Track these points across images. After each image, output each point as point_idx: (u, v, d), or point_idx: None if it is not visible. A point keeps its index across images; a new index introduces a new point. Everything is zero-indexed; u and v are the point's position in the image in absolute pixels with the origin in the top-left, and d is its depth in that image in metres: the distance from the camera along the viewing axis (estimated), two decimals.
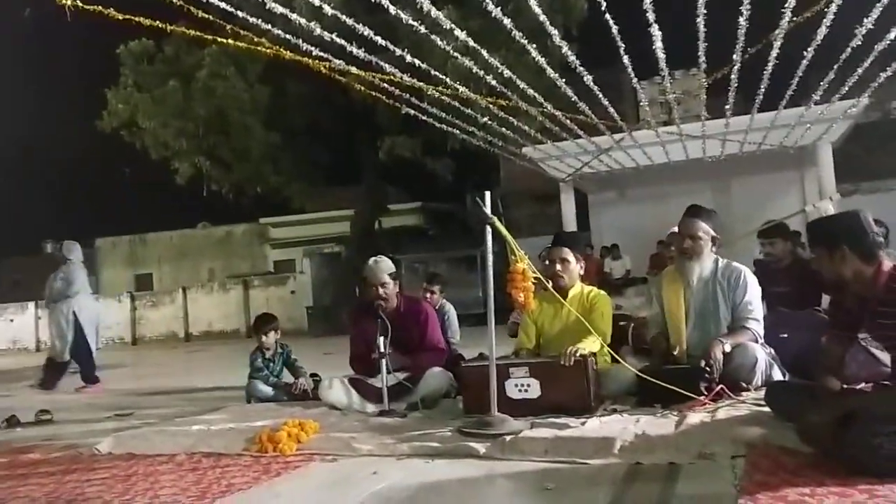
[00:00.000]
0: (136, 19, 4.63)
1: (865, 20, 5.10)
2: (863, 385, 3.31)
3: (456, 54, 5.68)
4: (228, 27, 5.26)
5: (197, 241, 29.27)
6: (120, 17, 4.42)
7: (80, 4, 4.06)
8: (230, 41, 5.46)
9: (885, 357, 3.32)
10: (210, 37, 5.51)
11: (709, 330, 3.89)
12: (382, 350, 4.06)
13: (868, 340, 3.43)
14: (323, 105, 17.50)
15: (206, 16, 4.59)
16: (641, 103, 7.69)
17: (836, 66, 6.17)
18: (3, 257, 34.14)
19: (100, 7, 4.19)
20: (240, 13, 4.64)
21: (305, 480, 2.96)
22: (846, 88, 7.02)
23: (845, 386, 2.88)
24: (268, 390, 5.29)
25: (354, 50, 5.12)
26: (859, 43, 5.35)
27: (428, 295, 5.66)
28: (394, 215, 22.88)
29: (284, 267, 25.36)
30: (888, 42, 5.51)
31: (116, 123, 17.57)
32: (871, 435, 2.31)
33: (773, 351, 3.85)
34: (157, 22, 4.84)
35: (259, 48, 5.46)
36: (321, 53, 5.37)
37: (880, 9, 4.89)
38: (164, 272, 29.00)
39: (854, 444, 2.35)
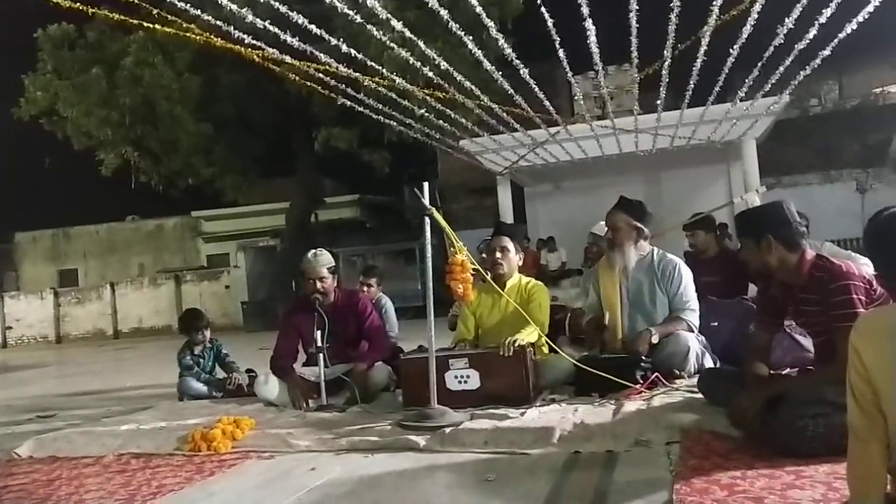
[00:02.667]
0: (56, 1, 4.40)
1: (787, 20, 5.31)
2: (788, 370, 3.47)
3: (392, 45, 5.62)
4: (155, 12, 5.05)
5: (125, 234, 28.20)
6: None
7: None
8: (157, 27, 5.25)
9: (807, 342, 3.48)
10: (136, 22, 5.30)
11: (644, 319, 3.99)
12: (319, 344, 3.99)
13: (792, 327, 3.60)
14: (256, 95, 17.12)
15: (132, 0, 4.40)
16: (576, 97, 7.78)
17: (759, 65, 6.40)
18: None
19: None
20: None
21: (241, 479, 2.88)
22: (769, 86, 7.28)
23: (772, 371, 3.00)
24: (201, 387, 5.13)
25: (289, 39, 5.00)
26: (781, 42, 5.55)
27: (365, 288, 5.61)
28: (330, 208, 22.63)
29: (218, 261, 24.73)
30: (807, 41, 5.75)
31: (35, 111, 16.74)
32: (796, 417, 2.40)
33: (704, 339, 3.97)
34: (79, 5, 4.61)
35: (188, 35, 5.27)
36: (254, 42, 5.23)
37: (800, 9, 5.09)
38: (90, 267, 27.82)
39: (781, 427, 2.43)
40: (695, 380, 3.46)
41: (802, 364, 3.38)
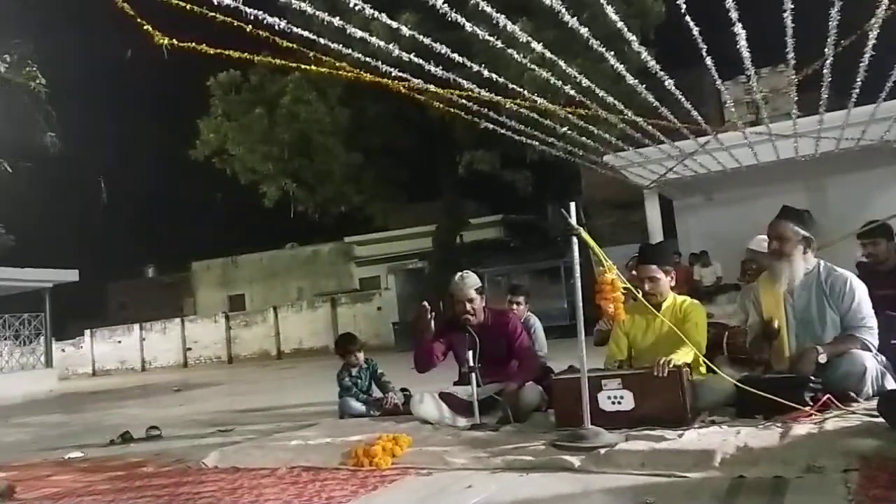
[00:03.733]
0: (226, 52, 4.88)
1: None
2: None
3: (532, 66, 5.69)
4: (310, 54, 5.45)
5: (285, 261, 30.31)
6: (212, 52, 4.68)
7: (177, 43, 4.33)
8: (312, 67, 5.65)
9: None
10: (293, 64, 5.74)
11: (812, 339, 3.72)
12: (472, 364, 4.08)
13: None
14: (401, 123, 17.89)
15: (289, 44, 4.79)
16: (726, 104, 7.45)
17: None
18: (110, 282, 36.44)
19: (193, 44, 4.45)
20: (320, 40, 4.80)
21: (402, 494, 3.00)
22: None
23: None
24: (360, 406, 5.40)
25: (431, 68, 5.21)
26: None
27: (514, 307, 5.65)
28: (475, 229, 23.01)
29: (369, 284, 25.91)
30: None
31: (208, 151, 18.51)
32: None
33: (884, 358, 3.64)
34: (244, 53, 5.09)
35: (339, 72, 5.63)
36: (399, 73, 5.50)
37: None
38: (255, 292, 30.16)
39: None
40: (874, 403, 3.17)
41: None
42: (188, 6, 4.05)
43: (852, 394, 3.44)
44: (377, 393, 5.54)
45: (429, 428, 4.22)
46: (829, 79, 6.25)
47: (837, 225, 8.37)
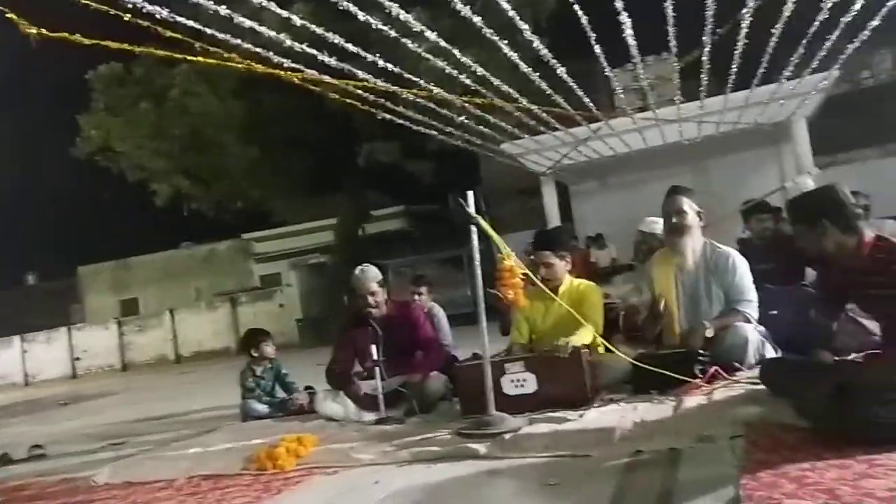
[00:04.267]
0: (103, 44, 4.57)
1: None
2: (854, 355, 3.35)
3: (428, 55, 5.67)
4: (197, 45, 5.20)
5: (181, 261, 29.05)
6: (87, 42, 4.37)
7: (45, 33, 4.01)
8: (200, 58, 5.40)
9: (872, 325, 3.36)
10: (179, 55, 5.46)
11: (700, 313, 3.92)
12: (375, 358, 4.03)
13: (855, 311, 3.48)
14: (299, 115, 17.47)
15: (174, 35, 4.55)
16: (616, 91, 7.71)
17: (804, 41, 6.24)
18: None
19: (65, 34, 4.14)
20: (207, 30, 4.59)
21: (307, 495, 2.93)
22: (816, 62, 7.08)
23: (837, 358, 2.90)
24: (263, 408, 5.24)
25: (326, 59, 5.10)
26: (826, 16, 5.40)
27: (416, 297, 5.65)
28: (377, 221, 22.87)
29: (271, 281, 25.24)
30: (853, 14, 5.57)
31: (91, 149, 17.44)
32: (866, 404, 2.32)
33: (764, 329, 3.87)
34: (125, 44, 4.78)
35: (229, 63, 5.41)
36: (292, 64, 5.34)
37: None
38: (149, 295, 28.75)
39: (850, 415, 2.35)
40: (756, 371, 3.37)
41: (869, 348, 3.26)
42: None
43: (737, 364, 3.64)
44: (281, 394, 5.40)
45: (334, 425, 4.15)
46: (708, 66, 6.58)
47: (719, 203, 8.88)
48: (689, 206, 4.00)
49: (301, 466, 3.33)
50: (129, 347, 24.26)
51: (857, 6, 5.44)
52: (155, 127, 16.81)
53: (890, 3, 5.55)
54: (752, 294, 3.91)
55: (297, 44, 4.89)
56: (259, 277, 26.75)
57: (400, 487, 2.80)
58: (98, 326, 25.22)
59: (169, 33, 4.42)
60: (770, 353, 3.75)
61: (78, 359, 24.64)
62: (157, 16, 3.95)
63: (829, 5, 5.31)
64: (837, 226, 2.58)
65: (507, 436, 3.13)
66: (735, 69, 6.91)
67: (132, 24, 4.04)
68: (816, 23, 5.67)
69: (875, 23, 5.84)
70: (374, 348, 4.06)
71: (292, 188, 19.52)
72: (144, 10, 3.90)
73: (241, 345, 5.71)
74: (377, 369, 4.03)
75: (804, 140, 11.40)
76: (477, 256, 3.57)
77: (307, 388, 5.38)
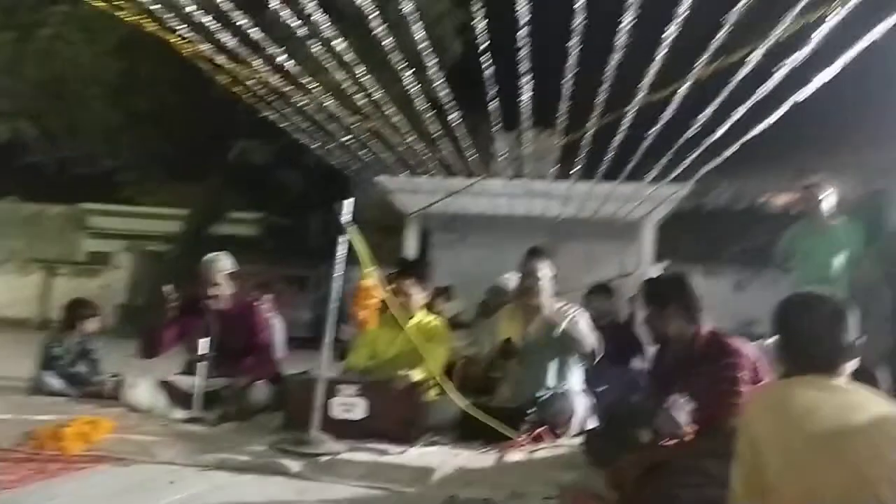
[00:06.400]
0: None
1: (701, 114, 5.64)
2: (669, 441, 3.54)
3: (329, 62, 5.57)
4: None
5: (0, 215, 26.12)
6: None
7: None
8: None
9: (685, 417, 3.58)
10: None
11: (533, 377, 3.97)
12: (203, 353, 3.76)
13: (676, 399, 3.69)
14: (177, 93, 16.48)
15: None
16: (498, 153, 7.97)
17: (670, 152, 6.77)
18: None
19: None
20: None
21: (88, 484, 2.62)
22: (677, 172, 7.70)
23: (653, 438, 3.05)
24: (58, 384, 4.70)
25: (226, 38, 4.87)
26: (696, 132, 5.89)
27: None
28: (232, 223, 21.86)
29: (99, 259, 23.22)
30: (715, 137, 6.11)
31: None
32: (672, 486, 2.44)
33: (592, 401, 4.02)
34: None
35: (118, 11, 5.00)
36: (188, 34, 5.05)
37: (714, 108, 5.42)
38: None
39: (655, 493, 2.46)
40: (579, 439, 3.48)
41: (681, 436, 3.46)
42: None
43: (561, 429, 3.74)
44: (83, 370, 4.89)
45: (138, 416, 3.79)
46: (588, 149, 6.97)
47: (561, 283, 9.31)
48: (546, 268, 4.10)
49: (90, 453, 2.99)
50: None
51: (720, 133, 5.91)
52: (10, 62, 15.19)
53: (744, 139, 6.02)
54: (590, 342, 3.92)
55: (198, 13, 4.63)
56: (87, 253, 24.57)
57: (196, 492, 2.58)
58: None
59: None
60: (594, 423, 3.89)
61: None
62: None
63: (699, 124, 5.78)
64: (682, 313, 2.75)
65: (324, 458, 3.00)
66: (608, 161, 7.37)
67: None
68: (683, 138, 6.12)
69: (731, 151, 6.37)
70: (203, 342, 3.78)
71: (149, 167, 18.27)
72: None
73: (64, 313, 5.14)
74: (202, 365, 3.75)
75: (649, 242, 12.30)
76: (341, 268, 3.42)
77: (114, 375, 4.89)
